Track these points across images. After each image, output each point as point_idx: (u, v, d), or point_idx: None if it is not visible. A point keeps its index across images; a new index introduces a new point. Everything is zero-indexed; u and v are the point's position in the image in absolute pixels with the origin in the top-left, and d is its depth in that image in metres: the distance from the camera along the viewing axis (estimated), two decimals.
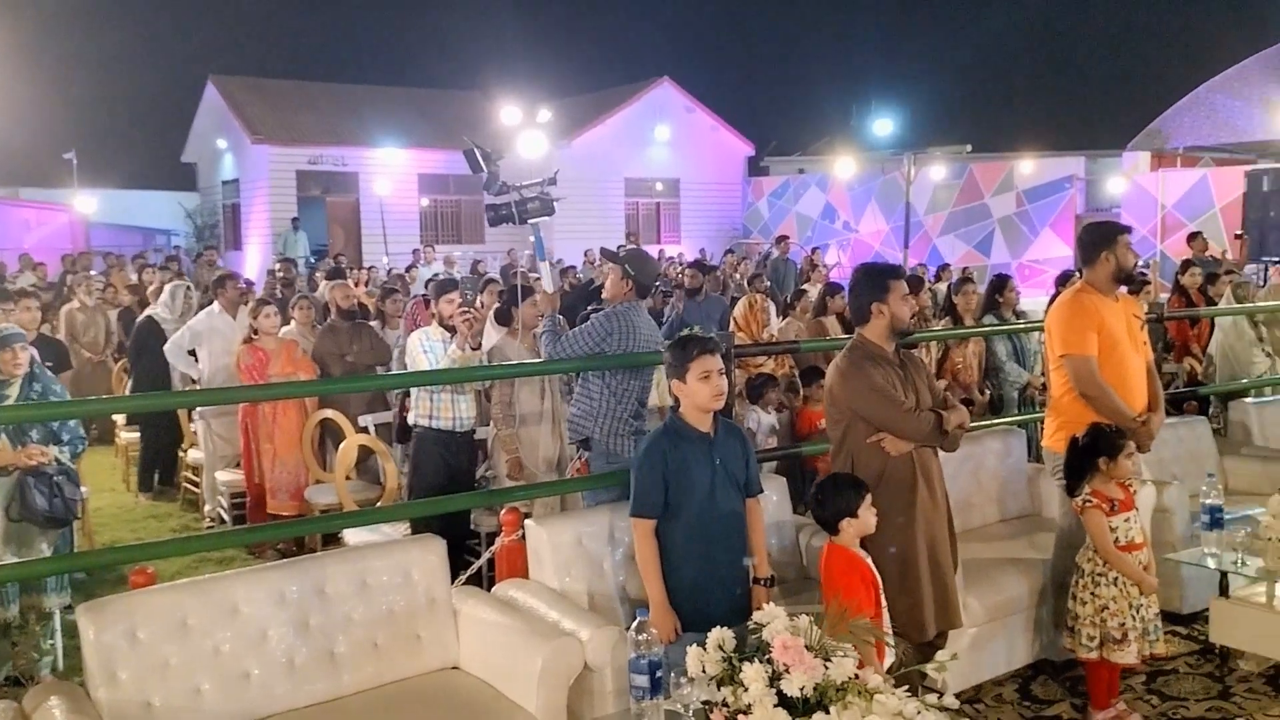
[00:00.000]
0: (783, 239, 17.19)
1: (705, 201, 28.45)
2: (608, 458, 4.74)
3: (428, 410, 5.51)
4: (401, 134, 24.24)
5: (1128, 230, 4.55)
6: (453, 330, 5.50)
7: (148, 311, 8.79)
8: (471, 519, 5.82)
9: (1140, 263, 10.11)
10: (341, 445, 6.13)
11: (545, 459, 5.76)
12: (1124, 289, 4.67)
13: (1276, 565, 4.28)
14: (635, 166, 27.45)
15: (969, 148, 21.79)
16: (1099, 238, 4.48)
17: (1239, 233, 14.28)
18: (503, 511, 4.50)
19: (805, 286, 11.58)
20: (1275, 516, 4.32)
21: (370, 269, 17.23)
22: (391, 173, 23.98)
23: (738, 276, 15.38)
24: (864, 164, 24.90)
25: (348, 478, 6.21)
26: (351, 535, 5.65)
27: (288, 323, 7.60)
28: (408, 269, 16.15)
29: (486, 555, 4.60)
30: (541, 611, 3.74)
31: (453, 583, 3.99)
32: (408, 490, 5.72)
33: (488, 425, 6.05)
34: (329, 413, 6.43)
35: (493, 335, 6.71)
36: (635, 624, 3.11)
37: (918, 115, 32.78)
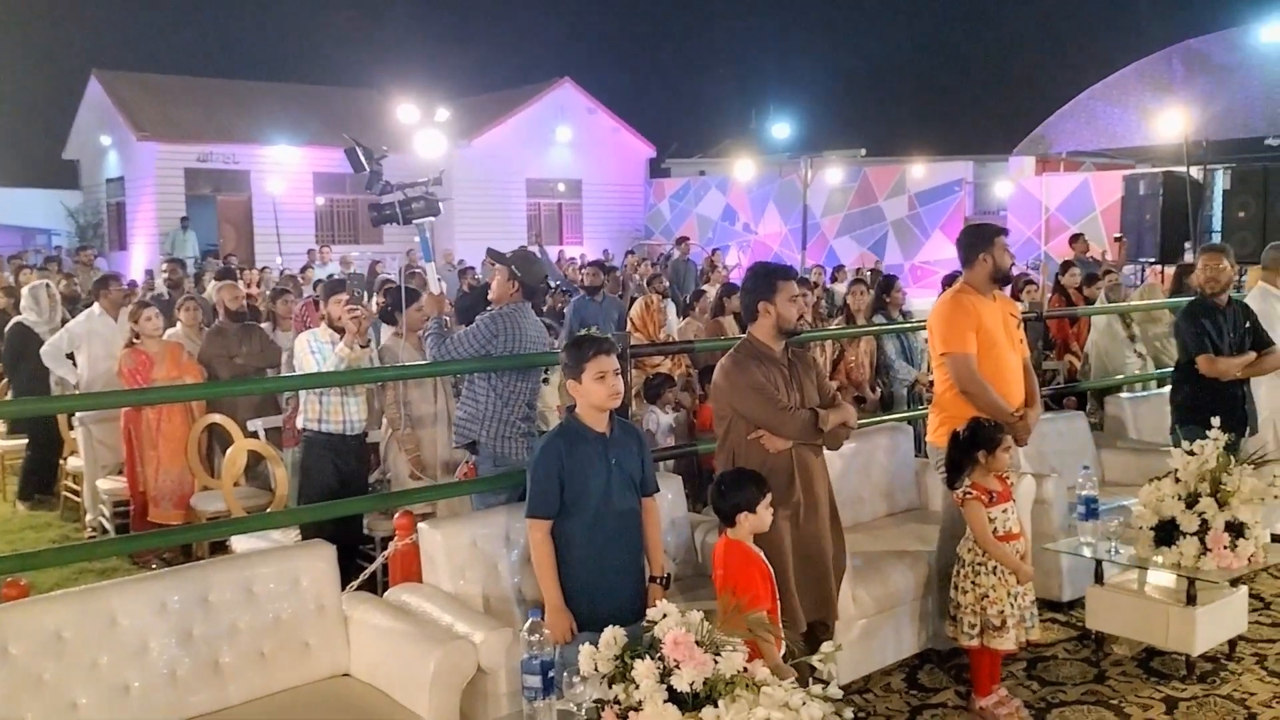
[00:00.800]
0: (683, 240, 17.34)
1: (607, 202, 28.51)
2: (495, 460, 4.71)
3: (316, 413, 5.38)
4: (295, 131, 23.69)
5: (1004, 232, 4.71)
6: (342, 331, 5.41)
7: (17, 316, 8.42)
8: (365, 524, 5.72)
9: (1030, 263, 10.50)
10: (229, 450, 5.98)
11: (442, 461, 5.70)
12: (1005, 289, 4.84)
13: (1147, 553, 4.50)
14: (537, 167, 27.35)
15: (863, 151, 22.27)
16: (977, 239, 4.63)
17: (1118, 235, 14.91)
18: (396, 515, 4.45)
19: (705, 287, 11.70)
20: (1146, 506, 4.54)
21: (263, 270, 16.80)
22: (285, 171, 23.42)
23: (638, 277, 15.45)
24: (763, 166, 25.27)
25: (236, 484, 6.05)
26: (240, 544, 5.50)
27: (174, 325, 7.37)
28: (301, 270, 15.81)
29: (380, 560, 4.55)
30: (434, 615, 3.71)
31: (346, 589, 3.94)
32: (297, 496, 5.59)
33: (380, 428, 5.96)
34: (216, 417, 6.26)
35: (385, 336, 6.63)
36: (528, 624, 3.11)
37: (814, 119, 33.45)
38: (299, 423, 5.51)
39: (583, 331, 3.80)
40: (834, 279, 14.61)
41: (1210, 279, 5.71)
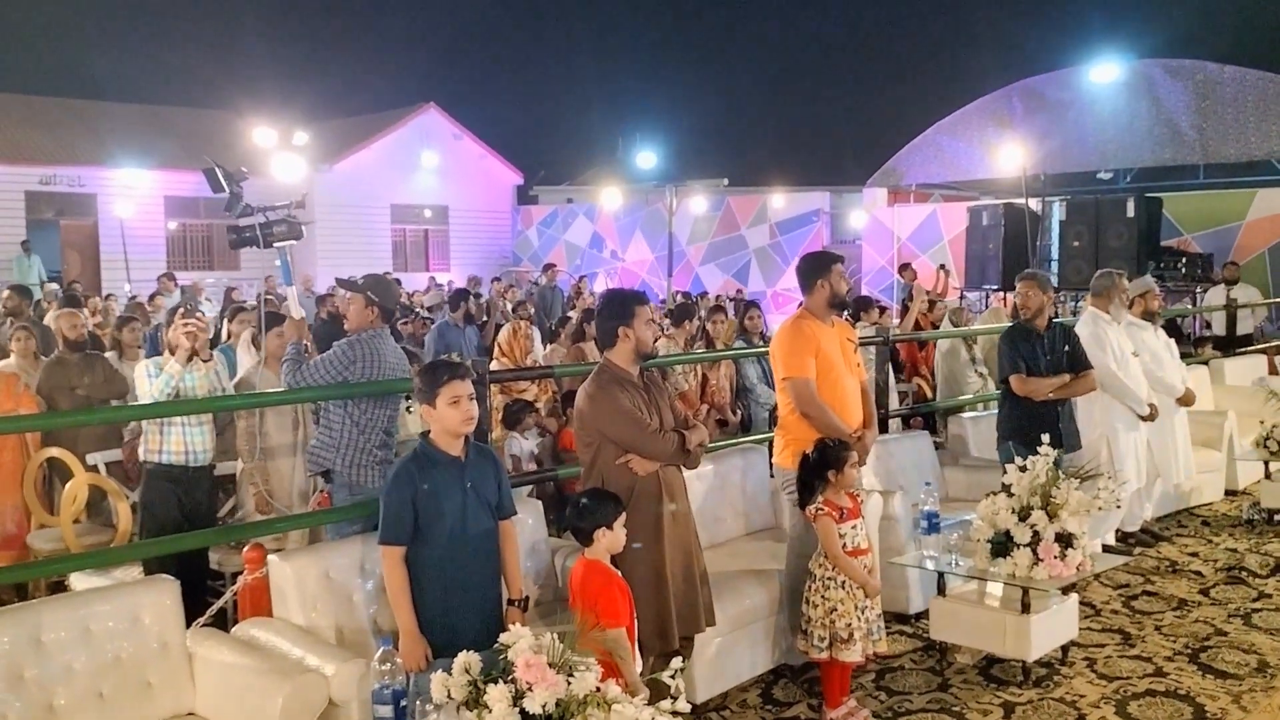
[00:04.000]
0: (549, 267, 17.40)
1: (475, 229, 28.36)
2: (351, 489, 4.63)
3: (157, 444, 5.17)
4: (145, 154, 22.80)
5: (840, 260, 4.91)
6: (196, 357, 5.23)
7: None
8: (216, 561, 5.53)
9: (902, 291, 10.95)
10: (68, 485, 5.70)
11: (300, 492, 5.57)
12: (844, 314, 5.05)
13: (985, 564, 4.73)
14: (402, 193, 27.04)
15: (725, 181, 22.83)
16: (815, 267, 4.81)
17: (942, 265, 15.67)
18: (246, 549, 4.33)
19: (570, 314, 11.78)
20: (983, 520, 4.78)
21: (109, 297, 16.09)
22: (134, 194, 22.49)
23: (505, 304, 15.42)
24: (629, 195, 25.56)
25: (78, 520, 5.77)
26: (81, 583, 5.24)
27: (7, 356, 7.00)
28: (150, 297, 15.19)
29: (228, 595, 4.41)
30: (284, 649, 3.62)
31: (192, 626, 3.81)
32: (139, 532, 5.36)
33: (235, 460, 5.78)
34: (54, 451, 5.96)
35: (245, 363, 6.45)
36: (379, 653, 3.09)
37: (678, 149, 34.09)
38: (140, 454, 5.30)
39: (446, 356, 3.80)
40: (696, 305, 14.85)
41: (1023, 305, 6.07)
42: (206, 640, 3.69)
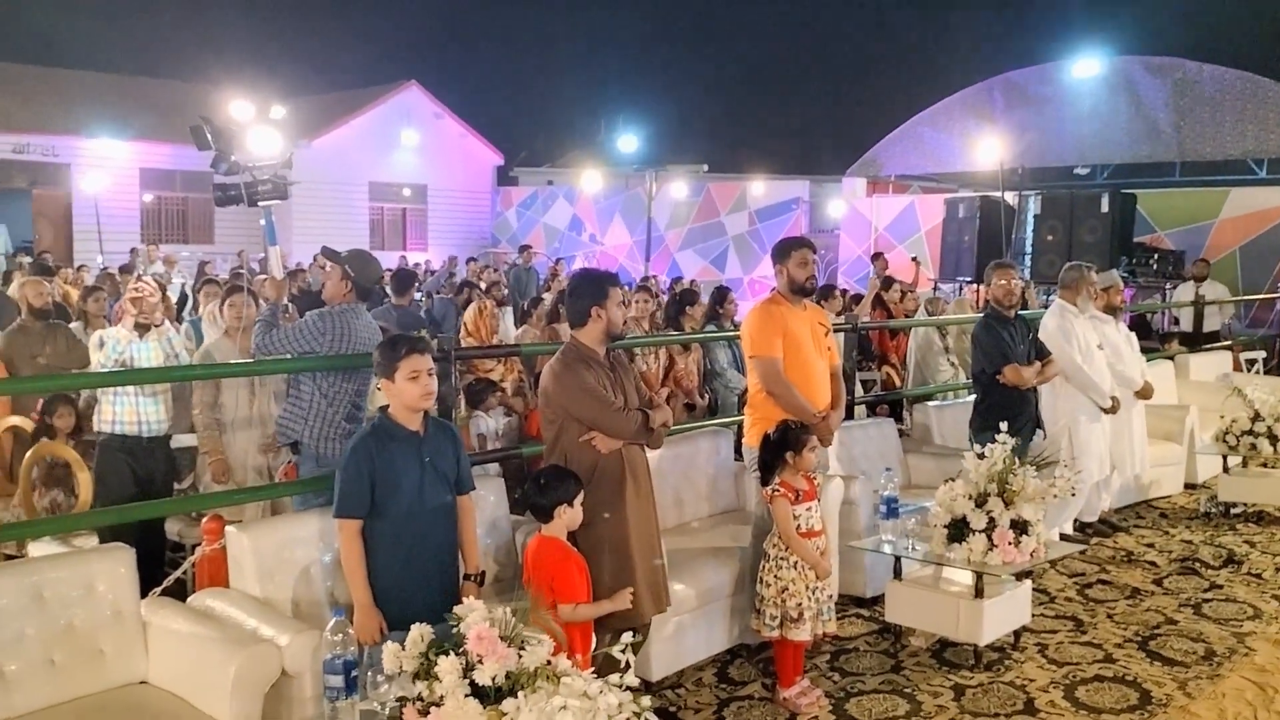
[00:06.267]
0: (525, 248, 17.38)
1: (453, 209, 28.25)
2: (318, 461, 4.64)
3: (110, 415, 5.15)
4: (121, 125, 22.59)
5: (805, 246, 4.94)
6: (147, 328, 5.21)
7: None
8: (176, 532, 5.53)
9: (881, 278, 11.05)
10: (28, 454, 5.67)
11: (254, 466, 5.56)
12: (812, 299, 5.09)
13: (941, 549, 4.79)
14: (381, 171, 26.90)
15: (705, 167, 22.86)
16: (777, 252, 4.90)
17: (914, 257, 15.80)
18: (205, 520, 4.33)
19: (544, 295, 11.78)
20: (941, 505, 4.84)
21: (81, 268, 15.96)
22: (109, 166, 22.29)
23: (482, 284, 15.41)
24: (610, 178, 25.54)
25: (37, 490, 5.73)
26: (39, 552, 5.22)
27: None
28: (121, 269, 15.08)
29: (185, 566, 4.41)
30: (238, 619, 3.63)
31: (149, 595, 3.81)
32: (94, 503, 5.34)
33: (192, 432, 5.76)
34: (16, 420, 5.93)
35: (211, 335, 6.42)
36: (331, 624, 3.10)
37: (660, 134, 34.03)
38: (94, 425, 5.27)
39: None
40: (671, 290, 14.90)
41: (1007, 292, 6.14)
42: (161, 609, 3.69)
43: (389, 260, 22.17)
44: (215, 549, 4.09)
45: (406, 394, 3.63)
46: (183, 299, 11.93)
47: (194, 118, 5.30)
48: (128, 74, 26.78)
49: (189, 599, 3.93)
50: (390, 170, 27.11)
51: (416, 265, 20.29)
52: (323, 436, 4.69)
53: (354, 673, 3.05)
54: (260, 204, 4.99)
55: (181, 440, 5.70)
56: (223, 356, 5.70)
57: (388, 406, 3.75)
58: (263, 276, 8.23)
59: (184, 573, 4.41)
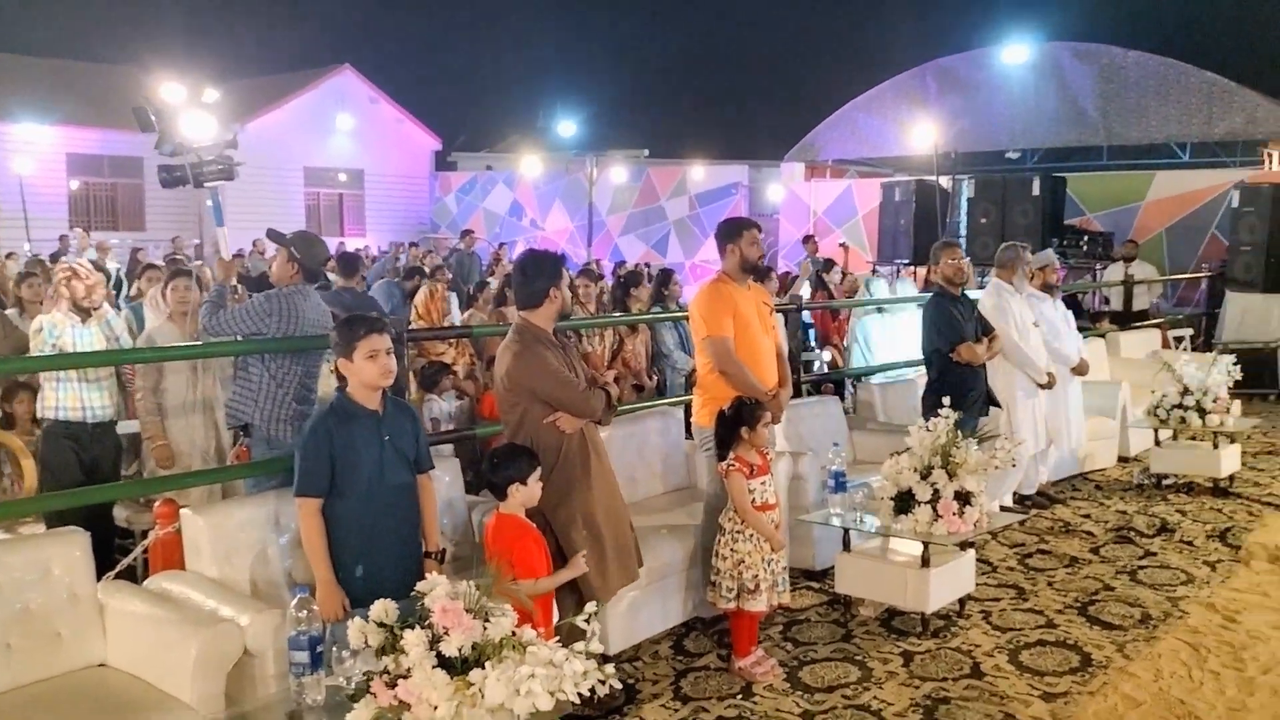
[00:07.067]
0: (468, 233, 17.29)
1: (391, 194, 27.95)
2: (269, 444, 4.62)
3: (54, 401, 5.06)
4: (46, 109, 21.96)
5: (754, 226, 5.01)
6: (87, 312, 5.13)
7: None
8: (125, 519, 5.45)
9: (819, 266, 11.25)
10: None
11: (200, 451, 5.50)
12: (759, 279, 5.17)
13: (888, 521, 4.92)
14: (316, 155, 26.51)
15: (646, 152, 22.89)
16: (727, 232, 4.93)
17: (843, 242, 16.06)
18: (158, 504, 4.29)
19: (489, 279, 11.76)
20: (887, 479, 4.97)
21: (10, 255, 15.55)
22: (34, 151, 21.67)
23: (426, 269, 15.31)
24: (549, 163, 25.46)
25: None
26: None
27: None
28: (53, 256, 14.71)
29: (138, 550, 4.37)
30: (198, 601, 3.62)
31: (103, 579, 3.77)
32: (40, 490, 5.25)
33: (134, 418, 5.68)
34: None
35: (153, 320, 6.32)
36: (295, 600, 3.11)
37: (599, 119, 34.01)
38: (38, 412, 5.18)
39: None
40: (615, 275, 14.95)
41: (957, 270, 6.29)
42: (118, 592, 3.66)
43: (328, 246, 21.89)
44: (169, 532, 4.06)
45: (365, 373, 3.64)
46: (117, 284, 11.70)
47: (122, 102, 5.25)
48: (53, 57, 26.00)
49: (145, 582, 3.90)
50: (326, 155, 26.72)
51: (357, 251, 20.04)
52: (273, 419, 4.67)
53: (319, 649, 3.07)
54: (206, 185, 4.93)
55: (127, 426, 5.62)
56: (165, 341, 5.63)
57: (344, 386, 3.75)
58: (199, 262, 8.12)
59: (136, 558, 4.36)
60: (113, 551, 5.09)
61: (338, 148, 26.93)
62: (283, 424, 4.63)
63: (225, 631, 3.39)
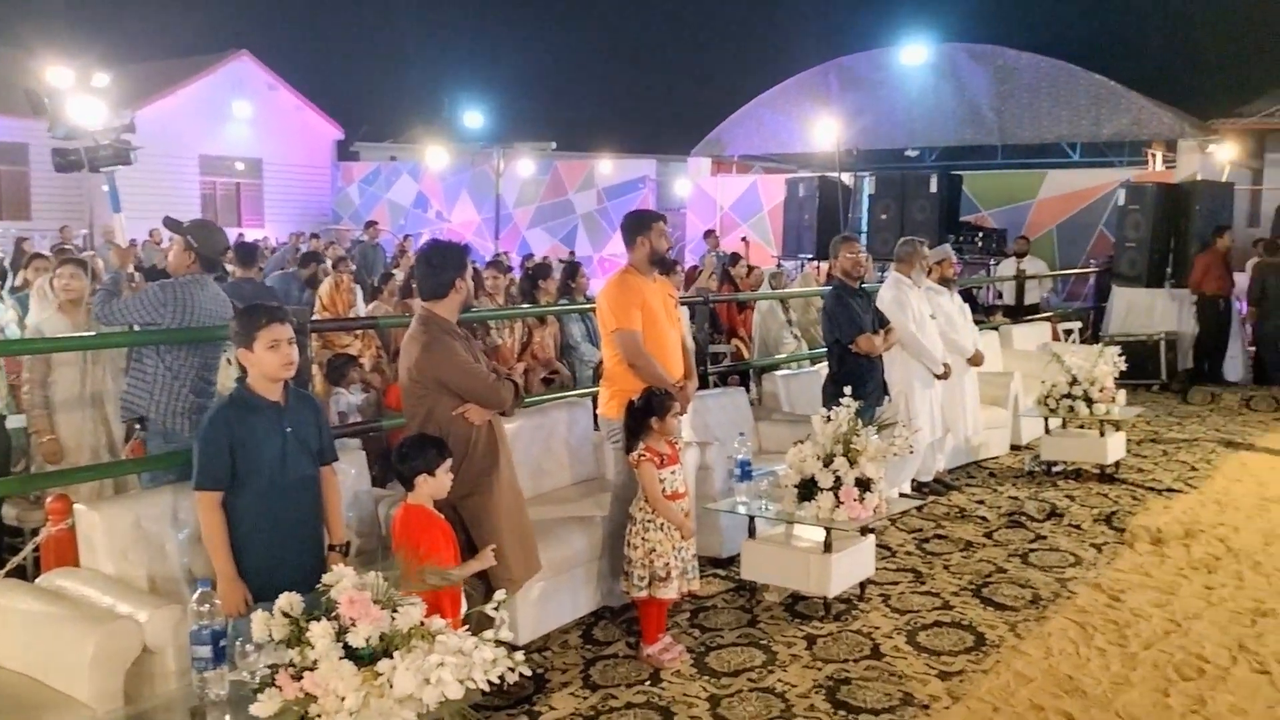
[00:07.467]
0: (371, 224, 17.02)
1: (291, 184, 27.34)
2: (166, 437, 4.51)
3: None
4: None
5: (662, 219, 5.06)
6: None
7: None
8: (14, 517, 5.25)
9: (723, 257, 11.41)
10: None
11: (90, 446, 5.33)
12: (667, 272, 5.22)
13: (792, 508, 5.02)
14: (212, 144, 25.79)
15: (553, 145, 22.80)
16: (636, 224, 4.96)
17: (744, 237, 16.33)
18: (49, 500, 4.15)
19: (395, 271, 11.60)
20: (791, 467, 5.07)
21: None
22: None
23: (327, 263, 15.02)
24: (456, 155, 25.18)
25: None
26: None
27: None
28: None
29: (29, 548, 4.23)
30: (94, 598, 3.52)
31: None
32: None
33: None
34: None
35: (40, 310, 6.10)
36: (197, 594, 3.05)
37: (506, 111, 33.76)
38: None
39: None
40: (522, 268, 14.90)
41: (856, 263, 6.45)
42: (9, 590, 3.54)
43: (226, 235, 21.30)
44: (62, 529, 3.93)
45: (266, 363, 3.57)
46: (1, 274, 11.21)
47: (5, 87, 5.06)
48: None
49: (38, 579, 3.77)
50: (222, 143, 26.02)
51: (256, 242, 19.56)
52: (170, 412, 4.56)
53: (222, 643, 3.02)
54: (102, 169, 4.78)
55: (15, 421, 5.41)
56: (53, 333, 5.45)
57: (244, 377, 3.67)
58: (90, 252, 7.84)
59: (27, 556, 4.22)
60: (1, 550, 4.91)
61: (235, 136, 26.23)
62: (180, 417, 4.52)
63: (123, 628, 3.30)
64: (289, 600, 2.95)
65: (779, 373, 7.76)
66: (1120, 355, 7.97)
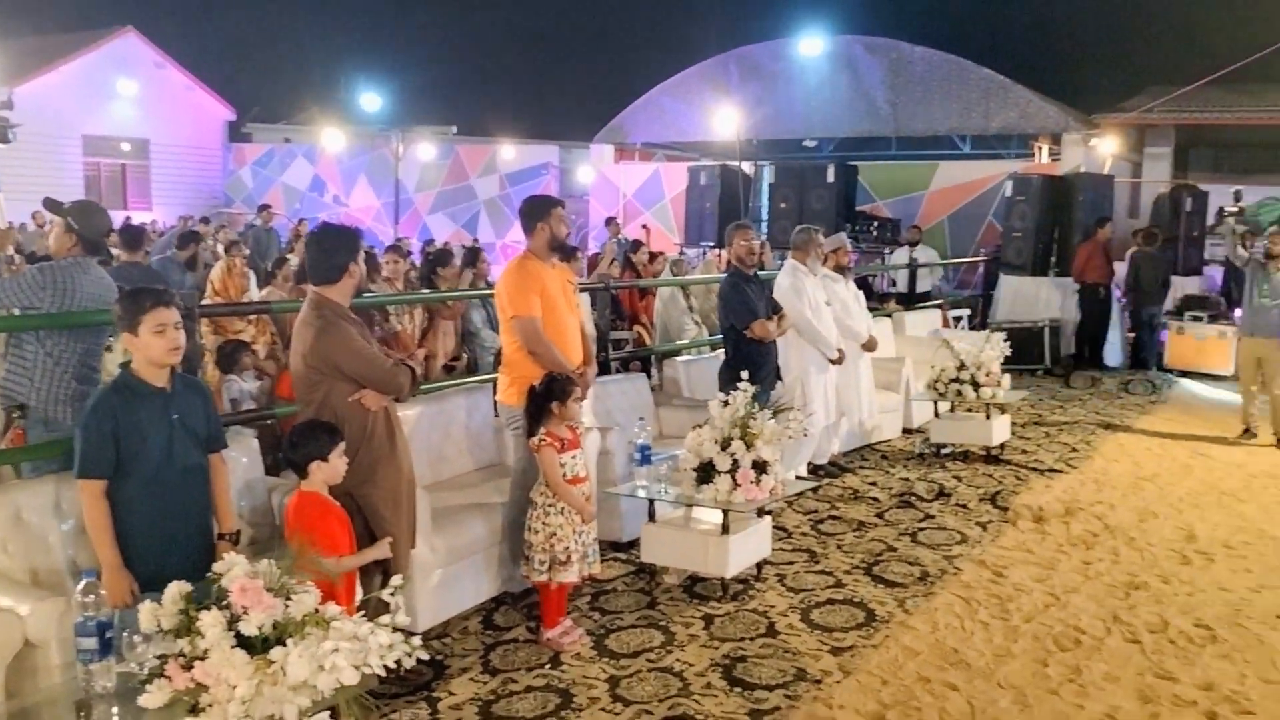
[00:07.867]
0: (265, 208, 16.61)
1: (180, 166, 26.48)
2: (47, 425, 4.35)
3: None
4: None
5: (560, 204, 5.06)
6: None
7: None
8: None
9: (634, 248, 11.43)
10: None
11: None
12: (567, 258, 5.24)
13: (690, 491, 5.10)
14: (96, 123, 24.81)
15: (454, 129, 22.55)
16: (535, 210, 4.95)
17: (644, 224, 16.47)
18: None
19: (289, 256, 11.34)
20: (690, 450, 5.15)
21: None
22: None
23: (216, 245, 14.61)
24: (353, 138, 24.71)
25: None
26: None
27: None
28: None
29: None
30: None
31: None
32: None
33: None
34: None
35: None
36: (82, 585, 2.97)
37: (405, 93, 33.13)
38: None
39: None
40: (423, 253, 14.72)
41: (749, 250, 6.56)
42: None
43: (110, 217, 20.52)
44: None
45: (152, 348, 3.48)
46: None
47: None
48: None
49: None
50: (107, 123, 25.04)
51: (143, 225, 18.89)
52: (51, 399, 4.40)
53: (109, 634, 2.94)
54: None
55: None
56: None
57: (128, 363, 3.57)
58: None
59: None
60: None
61: (120, 115, 25.28)
62: (62, 404, 4.37)
63: (3, 621, 3.20)
64: (178, 589, 2.89)
65: (680, 358, 7.85)
66: (1005, 340, 8.25)
